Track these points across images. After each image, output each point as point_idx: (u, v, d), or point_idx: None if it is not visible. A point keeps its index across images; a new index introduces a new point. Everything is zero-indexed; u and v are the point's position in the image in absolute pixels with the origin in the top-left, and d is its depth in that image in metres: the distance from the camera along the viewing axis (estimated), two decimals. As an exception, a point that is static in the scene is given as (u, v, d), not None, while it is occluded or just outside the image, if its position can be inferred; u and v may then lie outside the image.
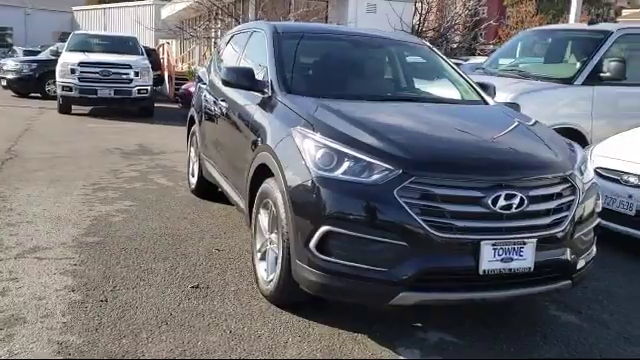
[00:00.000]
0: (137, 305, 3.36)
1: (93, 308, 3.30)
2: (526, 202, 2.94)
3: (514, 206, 2.91)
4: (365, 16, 16.90)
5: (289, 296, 3.32)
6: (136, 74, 12.18)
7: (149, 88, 12.46)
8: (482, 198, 2.89)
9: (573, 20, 13.63)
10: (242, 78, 3.98)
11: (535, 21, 37.47)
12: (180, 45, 26.99)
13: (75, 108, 12.65)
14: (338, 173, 2.95)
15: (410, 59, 4.71)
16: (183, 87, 13.88)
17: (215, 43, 19.37)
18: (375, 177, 2.89)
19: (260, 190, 3.59)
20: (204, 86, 5.54)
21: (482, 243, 2.85)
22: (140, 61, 12.61)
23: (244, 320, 3.26)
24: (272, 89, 3.87)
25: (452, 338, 3.19)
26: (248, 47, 4.79)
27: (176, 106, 14.81)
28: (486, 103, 4.23)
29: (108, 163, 7.41)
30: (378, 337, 3.14)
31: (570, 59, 7.59)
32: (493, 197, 2.89)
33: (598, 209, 3.39)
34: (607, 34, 6.63)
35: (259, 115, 3.84)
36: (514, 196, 2.92)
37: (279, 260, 3.25)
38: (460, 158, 3.05)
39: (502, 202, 2.89)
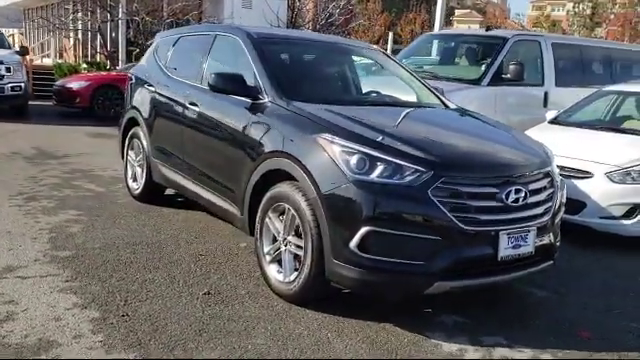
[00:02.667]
0: (163, 317, 3.32)
1: (120, 324, 3.20)
2: (528, 195, 3.41)
3: (520, 199, 3.37)
4: (241, 11, 16.93)
5: (316, 294, 3.50)
6: (7, 70, 11.11)
7: (23, 85, 11.45)
8: (497, 193, 3.31)
9: (438, 21, 14.82)
10: (234, 84, 4.03)
11: (381, 19, 39.88)
12: (26, 36, 24.83)
13: None
14: (373, 176, 3.19)
15: (376, 65, 5.03)
16: (58, 83, 12.91)
17: (76, 36, 18.22)
18: (409, 179, 3.17)
19: (270, 194, 3.69)
20: (151, 87, 5.38)
21: (500, 233, 3.27)
22: (11, 56, 11.53)
23: (276, 321, 3.37)
24: (266, 95, 3.97)
25: (463, 319, 3.59)
26: (213, 52, 4.77)
27: (45, 103, 13.75)
28: (446, 107, 4.68)
29: (17, 169, 6.84)
30: (403, 325, 3.42)
31: (463, 61, 8.45)
32: (506, 192, 3.32)
33: (564, 199, 3.97)
34: (505, 40, 7.50)
35: (257, 121, 3.91)
36: (520, 190, 3.37)
37: (307, 261, 3.39)
38: (477, 159, 3.46)
39: (513, 196, 3.34)
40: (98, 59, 17.02)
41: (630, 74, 9.21)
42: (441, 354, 3.16)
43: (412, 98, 4.78)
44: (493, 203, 3.30)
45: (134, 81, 5.89)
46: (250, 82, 4.09)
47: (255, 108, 3.99)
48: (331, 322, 3.42)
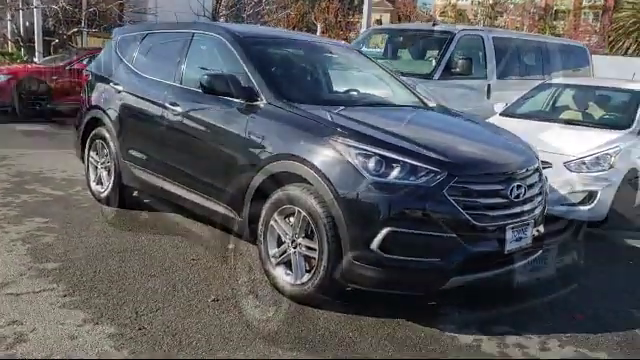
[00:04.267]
0: (181, 327, 3.26)
1: (141, 338, 3.11)
2: (526, 190, 3.62)
3: (521, 195, 3.57)
4: (165, 1, 16.38)
5: (331, 295, 3.54)
6: None
7: None
8: (502, 190, 3.49)
9: (365, 16, 15.03)
10: (229, 85, 3.96)
11: (297, 7, 39.83)
12: None
13: None
14: (391, 178, 3.27)
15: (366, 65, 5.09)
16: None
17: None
18: (424, 179, 3.28)
19: (276, 197, 3.68)
20: (118, 86, 5.15)
21: (507, 228, 3.46)
22: None
23: (295, 324, 3.39)
24: (263, 96, 3.93)
25: (467, 310, 3.75)
26: (192, 51, 4.64)
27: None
28: (426, 105, 4.81)
29: (-43, 174, 6.36)
30: (415, 320, 3.54)
31: (406, 55, 8.70)
32: (510, 188, 3.51)
33: (548, 192, 4.23)
34: (452, 35, 7.78)
35: (255, 123, 3.86)
36: (521, 186, 3.58)
37: (322, 262, 3.42)
38: (483, 158, 3.63)
39: (515, 192, 3.54)
40: (10, 49, 15.92)
41: (555, 63, 9.84)
42: (460, 346, 3.31)
43: (391, 96, 4.88)
44: (499, 200, 3.48)
45: (93, 79, 5.62)
46: (245, 84, 4.03)
47: (250, 110, 3.94)
48: (347, 321, 3.48)
